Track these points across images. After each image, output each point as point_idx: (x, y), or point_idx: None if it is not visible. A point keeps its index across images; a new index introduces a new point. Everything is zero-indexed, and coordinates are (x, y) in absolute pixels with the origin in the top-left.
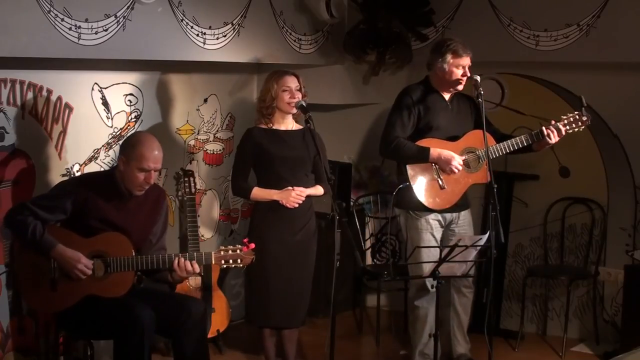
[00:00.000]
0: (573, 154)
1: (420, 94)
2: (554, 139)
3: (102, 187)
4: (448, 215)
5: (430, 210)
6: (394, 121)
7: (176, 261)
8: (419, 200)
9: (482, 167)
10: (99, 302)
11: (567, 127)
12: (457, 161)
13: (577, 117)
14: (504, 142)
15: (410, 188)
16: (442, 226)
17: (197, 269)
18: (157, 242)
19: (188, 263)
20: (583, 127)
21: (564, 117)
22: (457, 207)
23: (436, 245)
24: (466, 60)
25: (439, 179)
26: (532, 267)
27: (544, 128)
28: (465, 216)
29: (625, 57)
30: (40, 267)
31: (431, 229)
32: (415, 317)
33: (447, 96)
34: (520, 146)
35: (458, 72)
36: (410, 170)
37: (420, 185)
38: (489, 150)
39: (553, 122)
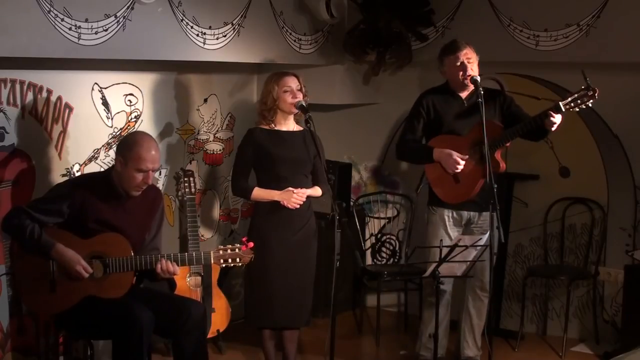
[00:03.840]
0: (573, 154)
1: (435, 96)
2: (558, 120)
3: (99, 188)
4: (465, 214)
5: (447, 207)
6: (406, 126)
7: (159, 266)
8: (436, 195)
9: (495, 157)
10: (98, 303)
11: (572, 105)
12: (455, 158)
13: (582, 92)
14: (511, 128)
15: (429, 185)
16: (459, 224)
17: (177, 270)
18: (150, 241)
19: (169, 264)
20: (592, 100)
21: (569, 95)
22: (477, 206)
23: (444, 241)
24: (460, 55)
25: (452, 174)
26: (532, 267)
27: (548, 111)
28: (487, 217)
29: (625, 57)
30: (39, 269)
31: (445, 225)
32: (426, 312)
33: (464, 95)
34: (526, 129)
35: (458, 69)
36: (427, 168)
37: (437, 181)
38: (497, 139)
39: (560, 102)
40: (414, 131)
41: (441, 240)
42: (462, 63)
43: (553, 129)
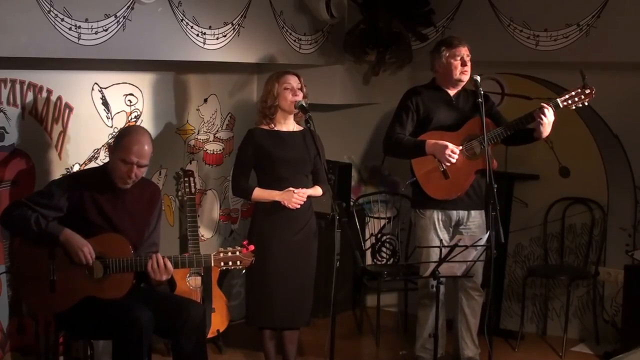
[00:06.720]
0: (573, 154)
1: (423, 92)
2: (549, 115)
3: (96, 181)
4: (455, 214)
5: (435, 208)
6: (394, 120)
7: (149, 264)
8: (424, 197)
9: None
10: (98, 303)
11: (569, 102)
12: (451, 148)
13: (580, 91)
14: (503, 125)
15: (417, 184)
16: (448, 226)
17: (171, 269)
18: (149, 237)
19: (160, 259)
20: (588, 99)
21: (566, 92)
22: (466, 205)
23: (438, 245)
24: (461, 50)
25: (442, 169)
26: (532, 267)
27: (542, 104)
28: (475, 217)
29: (625, 57)
30: (39, 268)
31: (435, 228)
32: (421, 313)
33: (452, 92)
34: (519, 127)
35: (456, 63)
36: (415, 164)
37: (426, 178)
38: (489, 134)
39: (557, 99)
40: (403, 125)
41: (441, 240)
42: (462, 58)
43: (542, 128)
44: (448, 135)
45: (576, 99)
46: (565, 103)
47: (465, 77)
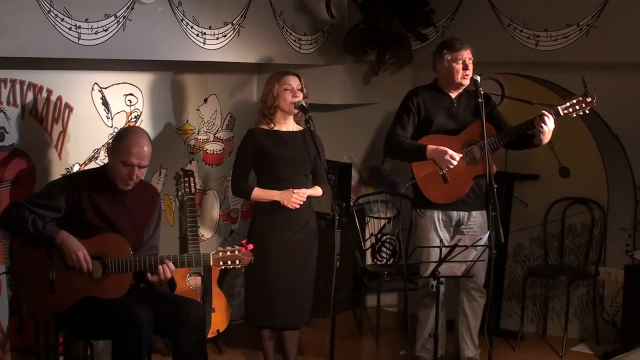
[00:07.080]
0: (573, 154)
1: (424, 94)
2: (549, 123)
3: (94, 182)
4: (455, 214)
5: (435, 208)
6: (395, 121)
7: (160, 269)
8: (423, 197)
9: (485, 158)
10: (98, 303)
11: (570, 110)
12: (450, 153)
13: (581, 99)
14: (504, 132)
15: (416, 185)
16: (449, 226)
17: (173, 269)
18: (148, 239)
19: (166, 267)
20: (589, 107)
21: (567, 100)
22: (466, 206)
23: (438, 244)
24: (464, 53)
25: (442, 174)
26: (532, 267)
27: (542, 112)
28: (476, 217)
29: (625, 57)
30: (38, 269)
31: (435, 228)
32: (421, 313)
33: (454, 95)
34: (519, 133)
35: (458, 67)
36: (415, 167)
37: (425, 181)
38: (489, 140)
39: (558, 107)
40: (404, 127)
41: (442, 240)
42: (464, 62)
43: (542, 136)
44: (448, 139)
45: (577, 107)
46: (566, 111)
47: (467, 81)
